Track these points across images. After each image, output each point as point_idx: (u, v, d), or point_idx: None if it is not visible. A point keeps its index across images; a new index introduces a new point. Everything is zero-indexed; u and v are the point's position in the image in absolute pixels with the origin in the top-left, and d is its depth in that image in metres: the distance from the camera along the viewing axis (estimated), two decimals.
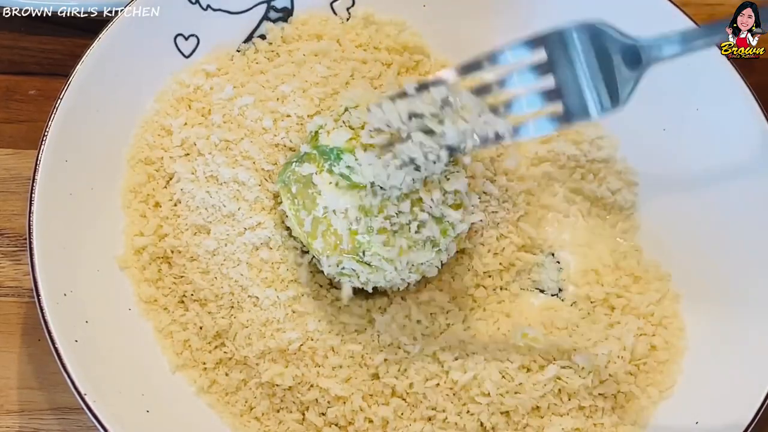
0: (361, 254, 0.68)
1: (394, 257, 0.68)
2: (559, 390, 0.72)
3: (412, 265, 0.70)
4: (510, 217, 0.79)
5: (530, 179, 0.81)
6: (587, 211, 0.81)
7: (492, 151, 0.81)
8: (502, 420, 0.71)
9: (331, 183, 0.68)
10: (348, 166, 0.67)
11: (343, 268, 0.70)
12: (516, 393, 0.71)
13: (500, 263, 0.77)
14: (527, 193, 0.80)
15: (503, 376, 0.72)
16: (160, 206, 0.76)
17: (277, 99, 0.78)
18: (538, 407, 0.72)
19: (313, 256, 0.73)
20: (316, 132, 0.71)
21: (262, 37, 0.82)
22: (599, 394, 0.72)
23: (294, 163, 0.71)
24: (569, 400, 0.72)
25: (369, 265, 0.69)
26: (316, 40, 0.82)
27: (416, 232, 0.68)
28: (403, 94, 0.66)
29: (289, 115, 0.77)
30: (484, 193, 0.79)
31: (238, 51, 0.82)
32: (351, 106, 0.70)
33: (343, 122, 0.69)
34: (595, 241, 0.79)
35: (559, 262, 0.79)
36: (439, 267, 0.73)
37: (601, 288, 0.77)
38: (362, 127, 0.68)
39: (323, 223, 0.69)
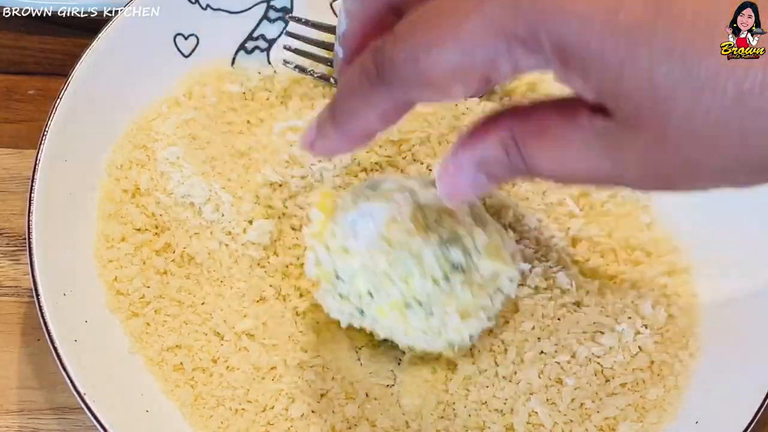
0: None
1: None
2: (596, 372, 0.71)
3: None
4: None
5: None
6: (604, 202, 0.80)
7: None
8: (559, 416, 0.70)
9: None
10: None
11: None
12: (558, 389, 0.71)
13: None
14: None
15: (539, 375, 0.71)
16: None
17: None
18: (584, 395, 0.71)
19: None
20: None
21: None
22: (634, 368, 0.72)
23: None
24: (613, 378, 0.71)
25: None
26: None
27: None
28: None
29: None
30: None
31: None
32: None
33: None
34: (609, 227, 0.79)
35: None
36: None
37: (614, 265, 0.76)
38: None
39: None
